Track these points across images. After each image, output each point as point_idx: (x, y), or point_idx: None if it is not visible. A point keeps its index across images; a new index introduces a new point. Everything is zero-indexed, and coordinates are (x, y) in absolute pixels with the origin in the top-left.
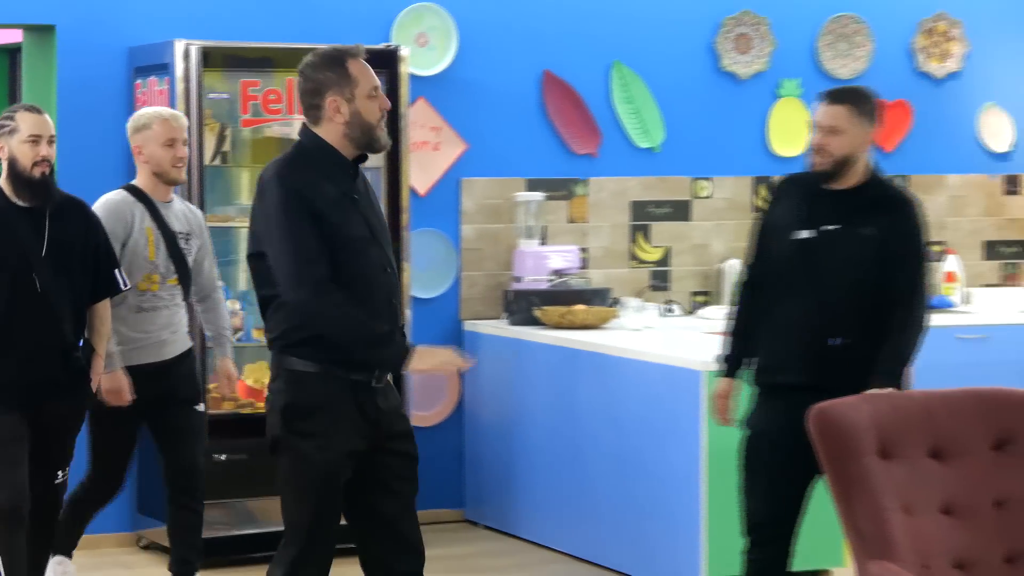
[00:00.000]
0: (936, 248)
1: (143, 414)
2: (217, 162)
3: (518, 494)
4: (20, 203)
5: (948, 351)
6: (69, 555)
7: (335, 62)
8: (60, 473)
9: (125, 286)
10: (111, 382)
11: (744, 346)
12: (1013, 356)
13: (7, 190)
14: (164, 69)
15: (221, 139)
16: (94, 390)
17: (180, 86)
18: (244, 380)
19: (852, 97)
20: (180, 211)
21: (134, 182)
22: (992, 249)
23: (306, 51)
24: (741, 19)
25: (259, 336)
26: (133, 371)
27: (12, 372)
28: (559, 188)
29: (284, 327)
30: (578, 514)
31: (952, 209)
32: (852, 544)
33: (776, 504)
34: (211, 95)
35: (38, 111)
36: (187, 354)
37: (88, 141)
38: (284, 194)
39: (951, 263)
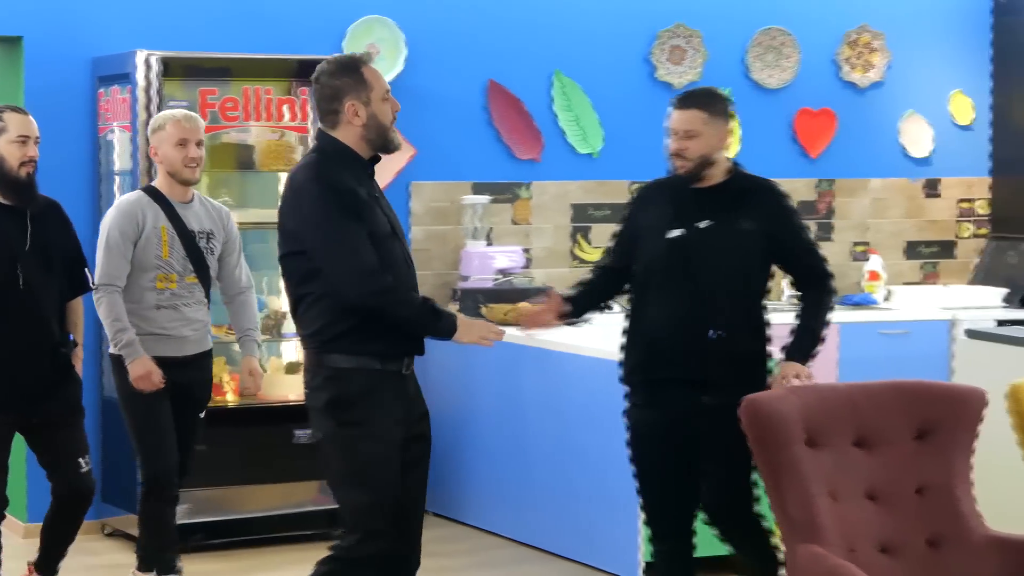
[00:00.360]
0: (859, 248)
1: (170, 397)
2: None
3: (466, 483)
4: (4, 202)
5: (872, 346)
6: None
7: (351, 68)
8: (82, 462)
9: (92, 286)
10: (139, 369)
11: (581, 297)
12: (933, 350)
13: None
14: (126, 78)
15: None
16: (80, 376)
17: (141, 94)
18: None
19: (703, 100)
20: (201, 210)
21: (153, 182)
22: (913, 249)
23: (262, 61)
24: (675, 32)
25: (217, 333)
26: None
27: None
28: (503, 191)
29: (320, 323)
30: (523, 502)
31: (875, 211)
32: (782, 529)
33: (670, 497)
34: (171, 103)
35: (24, 112)
36: (207, 355)
37: (54, 147)
38: (325, 193)
39: (874, 263)
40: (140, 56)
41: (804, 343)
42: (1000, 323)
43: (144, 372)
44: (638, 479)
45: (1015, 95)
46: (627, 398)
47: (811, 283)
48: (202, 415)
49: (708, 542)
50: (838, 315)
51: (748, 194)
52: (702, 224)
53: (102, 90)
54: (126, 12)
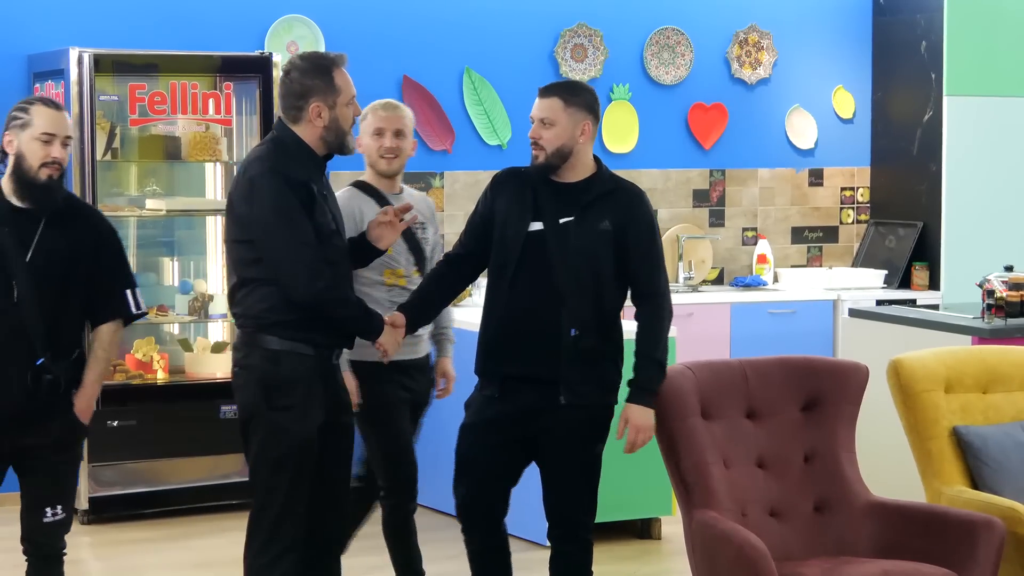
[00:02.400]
0: (749, 233)
1: (409, 404)
2: (108, 157)
3: None
4: (17, 203)
5: (761, 324)
6: None
7: (323, 71)
8: (49, 511)
9: (138, 309)
10: (386, 336)
11: (421, 302)
12: (818, 328)
13: (6, 188)
14: (60, 74)
15: (111, 137)
16: (81, 419)
17: (74, 89)
18: (133, 354)
19: (563, 90)
20: (411, 201)
21: (363, 176)
22: (798, 234)
23: (188, 58)
24: (577, 31)
25: (149, 314)
26: (391, 365)
27: None
28: (418, 180)
29: (262, 307)
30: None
31: (763, 199)
32: (679, 495)
33: (488, 493)
34: (102, 97)
35: (57, 107)
36: (428, 359)
37: None
38: (280, 187)
39: (763, 247)
40: (73, 53)
41: (649, 377)
42: (880, 303)
43: (390, 337)
44: (459, 470)
45: (893, 91)
46: (477, 386)
47: (644, 298)
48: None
49: (609, 508)
50: (730, 295)
51: (610, 195)
52: (563, 220)
53: (37, 85)
54: (59, 12)
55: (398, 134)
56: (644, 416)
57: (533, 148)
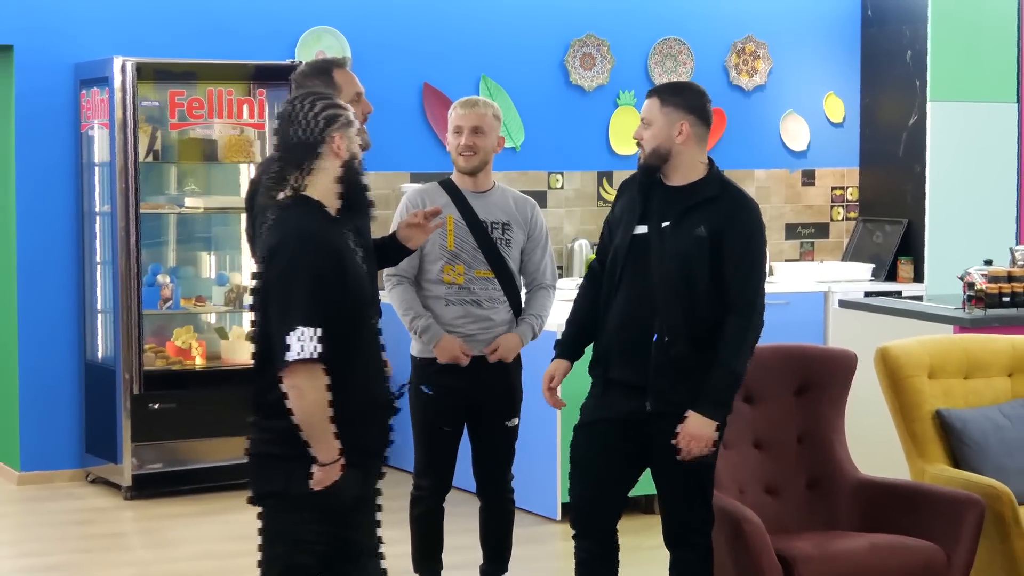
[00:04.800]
0: None
1: (463, 410)
2: (150, 159)
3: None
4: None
5: None
6: None
7: (323, 71)
8: None
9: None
10: (443, 352)
11: (576, 333)
12: (810, 318)
13: (328, 203)
14: (104, 81)
15: (153, 140)
16: None
17: (118, 95)
18: (173, 342)
19: (662, 90)
20: (500, 201)
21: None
22: (792, 231)
23: (223, 66)
24: (586, 41)
25: (186, 304)
26: (442, 365)
27: (377, 434)
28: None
29: None
30: None
31: (759, 198)
32: None
33: (597, 498)
34: (144, 103)
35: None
36: (504, 362)
37: (42, 143)
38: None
39: None
40: (117, 62)
41: (719, 386)
42: (868, 294)
43: (449, 354)
44: (572, 471)
45: (880, 97)
46: (590, 387)
47: (731, 308)
48: (512, 422)
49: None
50: (765, 288)
51: (714, 200)
52: (663, 224)
53: (83, 92)
54: (105, 23)
55: (475, 131)
56: (699, 425)
57: (637, 147)
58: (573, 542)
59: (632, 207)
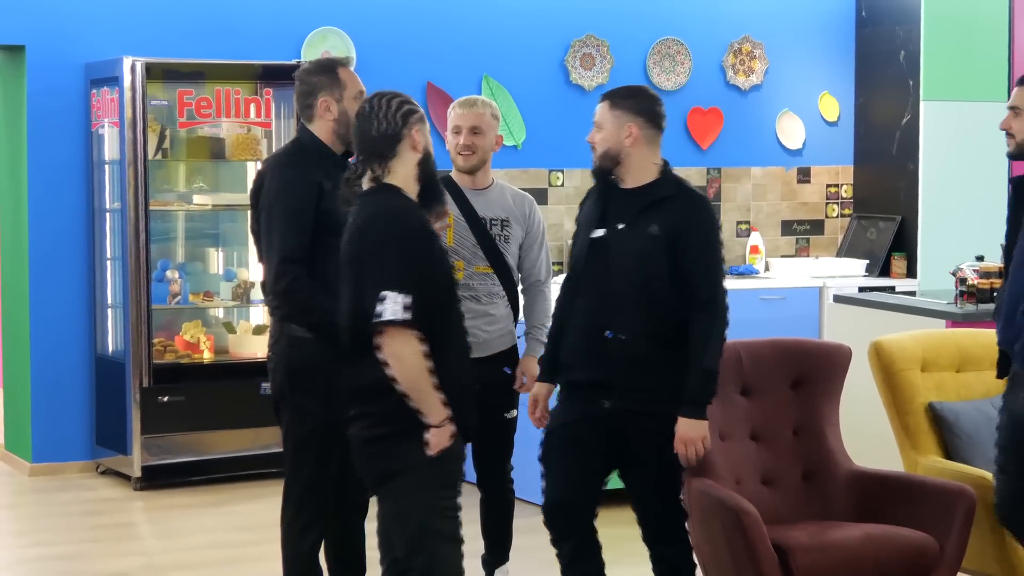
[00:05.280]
0: (743, 226)
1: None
2: (159, 157)
3: None
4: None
5: (753, 309)
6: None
7: (327, 68)
8: None
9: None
10: None
11: (556, 349)
12: (805, 313)
13: (408, 192)
14: (115, 81)
15: (162, 138)
16: None
17: (128, 95)
18: (182, 336)
19: (613, 93)
20: (499, 198)
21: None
22: (788, 227)
23: (231, 66)
24: (586, 41)
25: (194, 299)
26: None
27: (466, 415)
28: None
29: None
30: None
31: (755, 195)
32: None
33: (567, 499)
34: (153, 102)
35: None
36: (504, 356)
37: (53, 141)
38: (284, 180)
39: (755, 238)
40: (127, 62)
41: (694, 386)
42: (862, 290)
43: None
44: (543, 477)
45: (874, 96)
46: (557, 391)
47: (694, 306)
48: (511, 414)
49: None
50: (725, 282)
51: (668, 200)
52: (619, 226)
53: (94, 91)
54: (115, 23)
55: (474, 131)
56: (689, 428)
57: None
58: (554, 550)
59: (592, 212)
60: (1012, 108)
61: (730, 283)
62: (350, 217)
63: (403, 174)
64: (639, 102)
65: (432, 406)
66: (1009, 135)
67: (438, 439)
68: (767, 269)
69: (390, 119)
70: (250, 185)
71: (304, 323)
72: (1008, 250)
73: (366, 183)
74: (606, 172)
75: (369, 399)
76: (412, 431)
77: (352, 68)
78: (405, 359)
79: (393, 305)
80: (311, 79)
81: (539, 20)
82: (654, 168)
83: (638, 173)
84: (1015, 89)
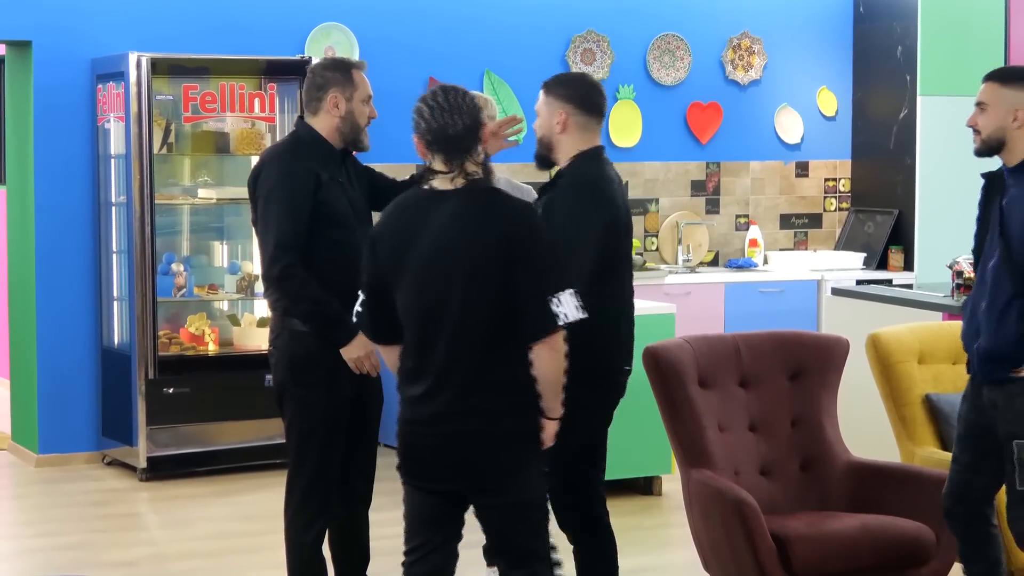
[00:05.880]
0: (742, 220)
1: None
2: (164, 151)
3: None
4: None
5: (752, 302)
6: None
7: (343, 67)
8: None
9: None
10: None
11: None
12: (803, 305)
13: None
14: (120, 76)
15: (167, 132)
16: None
17: (133, 90)
18: (187, 328)
19: (549, 81)
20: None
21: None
22: (786, 220)
23: (235, 61)
24: (587, 37)
25: (199, 292)
26: None
27: None
28: None
29: None
30: None
31: (754, 189)
32: (678, 455)
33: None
34: (158, 97)
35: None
36: None
37: (60, 135)
38: (281, 169)
39: (754, 232)
40: (132, 57)
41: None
42: (859, 283)
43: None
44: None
45: (871, 91)
46: None
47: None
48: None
49: (614, 467)
50: (724, 276)
51: (553, 184)
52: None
53: (100, 86)
54: (120, 19)
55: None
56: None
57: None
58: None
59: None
60: (979, 104)
61: (729, 276)
62: (458, 215)
63: (478, 165)
64: (571, 88)
65: (560, 400)
66: (976, 131)
67: (554, 432)
68: (766, 262)
69: (470, 111)
70: None
71: (296, 312)
72: (978, 252)
73: (458, 181)
74: (543, 159)
75: (501, 392)
76: (531, 426)
77: (365, 72)
78: (562, 355)
79: (572, 305)
80: (325, 73)
81: (540, 16)
82: (572, 156)
83: (565, 160)
84: (981, 85)
